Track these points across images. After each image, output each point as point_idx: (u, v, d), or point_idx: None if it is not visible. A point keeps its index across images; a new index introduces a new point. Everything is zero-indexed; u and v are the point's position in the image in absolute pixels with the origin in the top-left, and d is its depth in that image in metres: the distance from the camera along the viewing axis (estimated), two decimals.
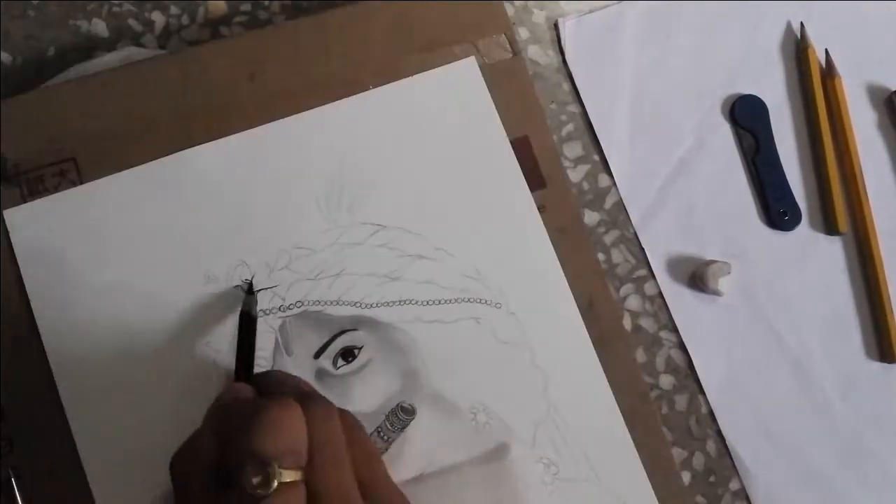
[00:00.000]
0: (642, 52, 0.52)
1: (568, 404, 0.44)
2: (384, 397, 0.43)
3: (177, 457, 0.36)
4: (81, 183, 0.44)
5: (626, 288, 0.49)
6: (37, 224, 0.43)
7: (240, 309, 0.41)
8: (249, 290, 0.42)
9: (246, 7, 0.50)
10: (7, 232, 0.43)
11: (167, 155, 0.44)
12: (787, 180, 0.50)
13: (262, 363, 0.42)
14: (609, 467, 0.43)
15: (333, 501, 0.34)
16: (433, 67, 0.47)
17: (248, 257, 0.44)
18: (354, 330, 0.43)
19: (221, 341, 0.42)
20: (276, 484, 0.31)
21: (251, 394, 0.37)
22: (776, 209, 0.50)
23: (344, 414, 0.36)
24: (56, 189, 0.44)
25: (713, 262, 0.48)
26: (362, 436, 0.37)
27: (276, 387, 0.38)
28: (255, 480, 0.31)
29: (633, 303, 0.48)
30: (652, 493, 0.43)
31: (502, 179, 0.46)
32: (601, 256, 0.49)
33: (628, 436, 0.44)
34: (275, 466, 0.32)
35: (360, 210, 0.45)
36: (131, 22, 0.50)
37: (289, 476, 0.32)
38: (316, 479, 0.33)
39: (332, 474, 0.34)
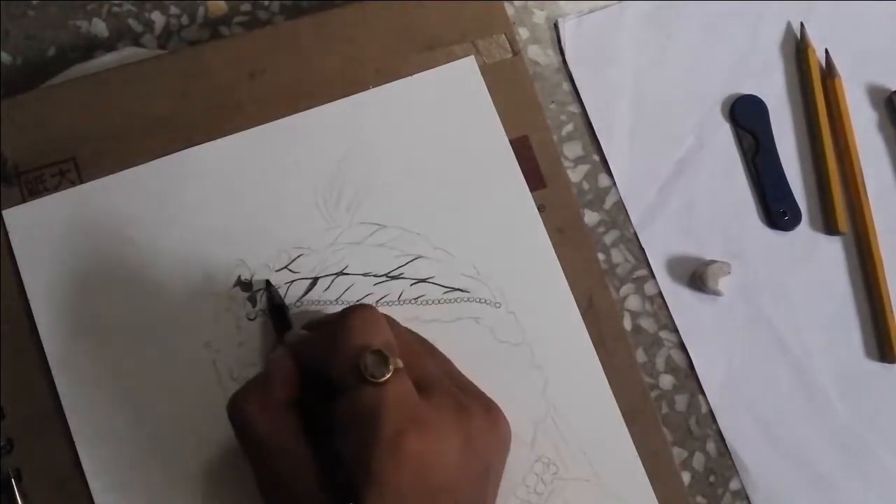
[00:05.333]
0: (642, 52, 0.52)
1: (568, 404, 0.44)
2: None
3: (242, 397, 0.36)
4: (81, 183, 0.44)
5: (626, 288, 0.49)
6: (37, 224, 0.43)
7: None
8: (268, 286, 0.43)
9: (246, 7, 0.50)
10: (7, 232, 0.43)
11: (167, 155, 0.45)
12: (787, 180, 0.50)
13: (259, 362, 0.43)
14: (609, 467, 0.43)
15: (436, 384, 0.36)
16: (433, 67, 0.47)
17: (248, 257, 0.44)
18: None
19: (221, 341, 0.42)
20: (392, 369, 0.33)
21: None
22: (776, 209, 0.50)
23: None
24: (56, 189, 0.44)
25: (713, 262, 0.48)
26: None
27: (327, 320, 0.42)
28: (375, 367, 0.33)
29: (633, 303, 0.48)
30: (652, 493, 0.43)
31: (502, 179, 0.46)
32: (601, 256, 0.49)
33: (628, 436, 0.44)
34: (391, 352, 0.34)
35: (360, 209, 0.45)
36: (131, 22, 0.50)
37: (397, 363, 0.34)
38: (415, 367, 0.35)
39: (428, 362, 0.37)
